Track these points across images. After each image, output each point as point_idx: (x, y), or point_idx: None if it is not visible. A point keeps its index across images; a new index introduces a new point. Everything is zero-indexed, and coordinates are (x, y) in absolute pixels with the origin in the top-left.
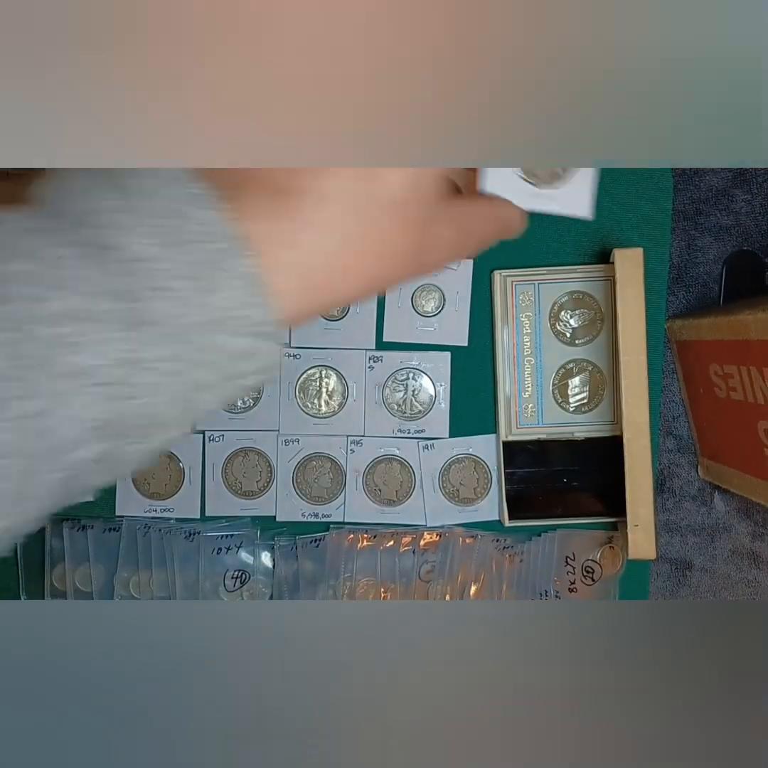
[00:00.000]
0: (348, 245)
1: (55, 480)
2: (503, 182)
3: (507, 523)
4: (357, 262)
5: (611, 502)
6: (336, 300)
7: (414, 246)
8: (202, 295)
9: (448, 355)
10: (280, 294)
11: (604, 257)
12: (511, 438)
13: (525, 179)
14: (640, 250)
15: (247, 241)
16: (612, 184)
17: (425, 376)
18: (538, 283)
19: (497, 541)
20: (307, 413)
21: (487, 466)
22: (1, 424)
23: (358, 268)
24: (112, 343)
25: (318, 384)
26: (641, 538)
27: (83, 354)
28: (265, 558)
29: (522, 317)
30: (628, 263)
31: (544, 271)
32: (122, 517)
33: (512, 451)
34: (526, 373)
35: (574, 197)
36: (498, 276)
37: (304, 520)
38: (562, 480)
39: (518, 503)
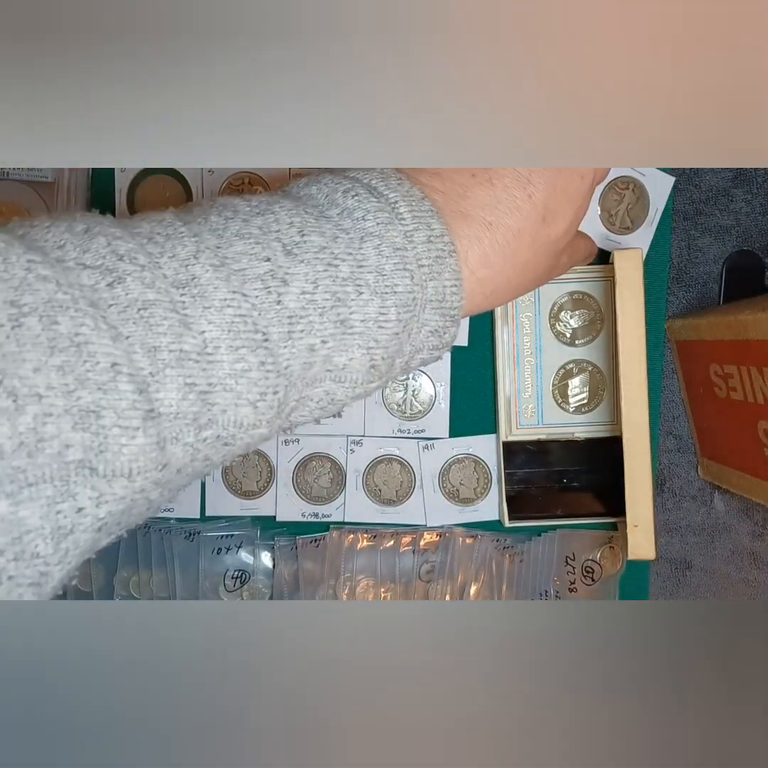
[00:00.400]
0: (514, 266)
1: (293, 406)
2: (589, 223)
3: (507, 523)
4: (515, 279)
5: (611, 502)
6: (491, 305)
7: (550, 269)
8: (428, 279)
9: (448, 355)
10: (466, 292)
11: (603, 257)
12: (511, 438)
13: (604, 225)
14: (639, 251)
15: (455, 246)
16: None
17: (425, 376)
18: None
19: (497, 541)
20: None
21: (487, 466)
22: (292, 352)
23: (514, 282)
24: (368, 305)
25: None
26: (641, 538)
27: (349, 309)
28: (265, 558)
29: (522, 317)
30: (628, 264)
31: None
32: None
33: (512, 452)
34: (526, 373)
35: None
36: None
37: (304, 520)
38: (562, 480)
39: (518, 503)
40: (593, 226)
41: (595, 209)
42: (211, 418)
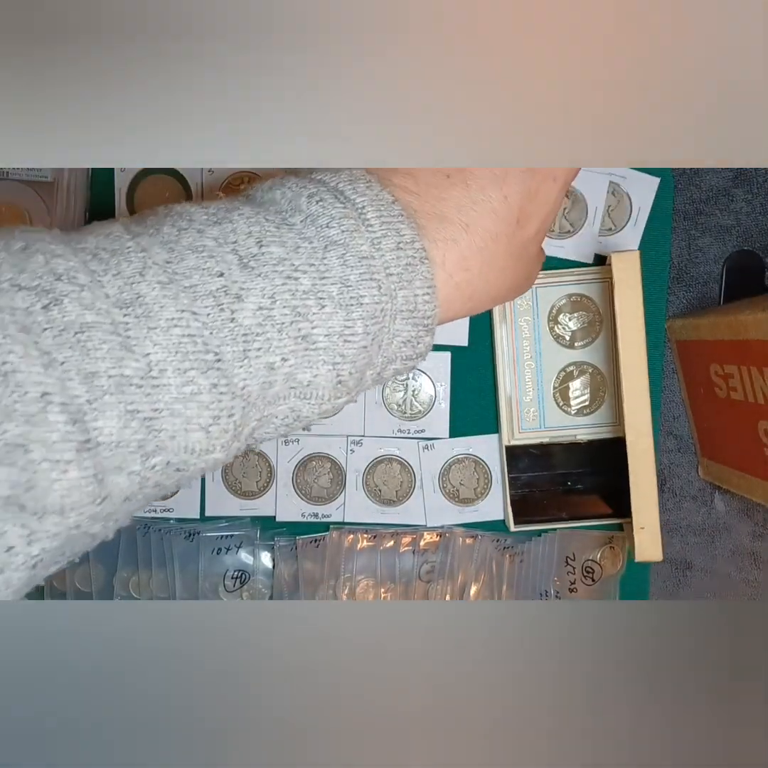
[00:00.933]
0: (492, 270)
1: (254, 426)
2: None
3: (513, 527)
4: (493, 283)
5: (616, 503)
6: (470, 311)
7: (528, 275)
8: (398, 288)
9: (448, 355)
10: (442, 300)
11: (601, 259)
12: (513, 442)
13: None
14: (636, 253)
15: (428, 253)
16: None
17: (425, 376)
18: (536, 287)
19: (497, 541)
20: None
21: (488, 467)
22: (249, 372)
23: (492, 286)
24: (332, 318)
25: None
26: (647, 540)
27: (311, 324)
28: (265, 558)
29: (520, 321)
30: (625, 265)
31: (542, 275)
32: None
33: (515, 456)
34: (526, 376)
35: (578, 248)
36: None
37: (304, 520)
38: (566, 483)
39: (523, 507)
40: None
41: None
42: (159, 444)
